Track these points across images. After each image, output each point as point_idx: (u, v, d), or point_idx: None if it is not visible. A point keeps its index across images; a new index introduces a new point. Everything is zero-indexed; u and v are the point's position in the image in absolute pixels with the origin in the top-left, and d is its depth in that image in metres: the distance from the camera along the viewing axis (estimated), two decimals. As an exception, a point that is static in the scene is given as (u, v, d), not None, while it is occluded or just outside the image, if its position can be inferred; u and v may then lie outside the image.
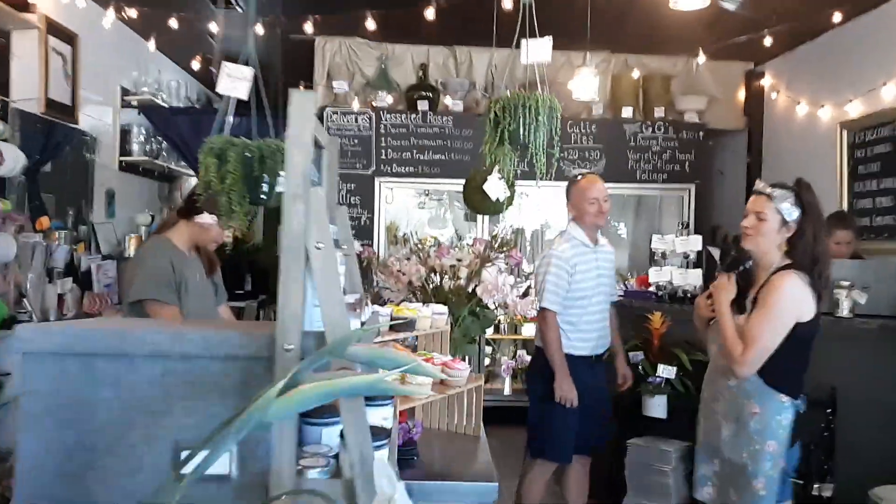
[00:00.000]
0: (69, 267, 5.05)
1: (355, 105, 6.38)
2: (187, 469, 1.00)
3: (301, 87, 6.62)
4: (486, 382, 6.38)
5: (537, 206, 6.42)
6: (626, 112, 6.47)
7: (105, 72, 5.71)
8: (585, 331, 3.45)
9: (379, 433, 1.40)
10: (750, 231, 2.58)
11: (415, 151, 6.34)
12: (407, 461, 2.14)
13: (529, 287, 4.52)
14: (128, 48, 6.04)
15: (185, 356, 1.41)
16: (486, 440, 2.48)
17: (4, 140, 4.37)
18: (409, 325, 2.23)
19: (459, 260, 2.89)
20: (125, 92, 6.07)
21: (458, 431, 2.49)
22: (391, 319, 2.25)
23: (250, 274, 8.48)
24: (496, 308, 2.85)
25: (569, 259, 3.39)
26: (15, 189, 4.66)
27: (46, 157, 4.97)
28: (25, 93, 4.69)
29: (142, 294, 2.93)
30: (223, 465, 1.40)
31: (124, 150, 6.13)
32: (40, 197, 4.91)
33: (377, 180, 6.35)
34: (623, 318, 3.83)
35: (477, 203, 3.26)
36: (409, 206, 7.07)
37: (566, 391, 3.31)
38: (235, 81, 1.70)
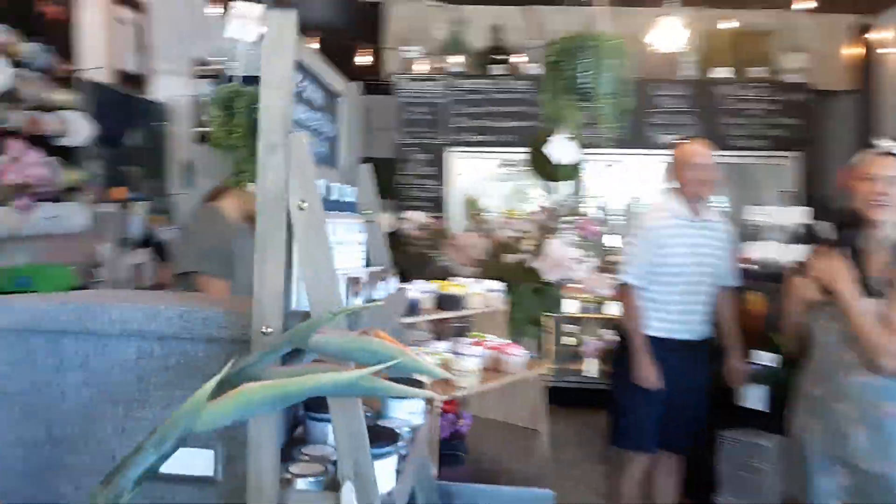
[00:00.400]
0: (146, 238, 5.06)
1: (426, 70, 6.11)
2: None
3: (370, 53, 6.42)
4: (570, 363, 6.12)
5: (625, 176, 6.01)
6: (719, 72, 5.91)
7: (176, 41, 5.66)
8: (669, 311, 3.10)
9: (383, 437, 1.14)
10: (884, 199, 2.17)
11: (489, 119, 6.03)
12: (452, 457, 1.89)
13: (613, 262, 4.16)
14: (199, 17, 5.97)
15: (161, 337, 1.19)
16: (548, 435, 2.20)
17: (73, 109, 4.36)
18: (454, 302, 1.97)
19: (525, 232, 2.60)
20: (198, 62, 6.00)
21: (516, 424, 2.21)
22: (437, 297, 2.00)
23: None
24: (559, 285, 2.54)
25: (656, 230, 3.07)
26: (90, 159, 4.67)
27: (120, 128, 4.96)
28: (94, 62, 4.66)
29: (189, 266, 2.78)
30: (207, 465, 1.19)
31: (201, 121, 6.09)
32: (118, 168, 4.91)
33: (449, 151, 6.08)
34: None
35: (541, 168, 2.94)
36: (488, 178, 6.77)
37: (645, 372, 3.00)
38: (245, 23, 1.46)
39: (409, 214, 3.38)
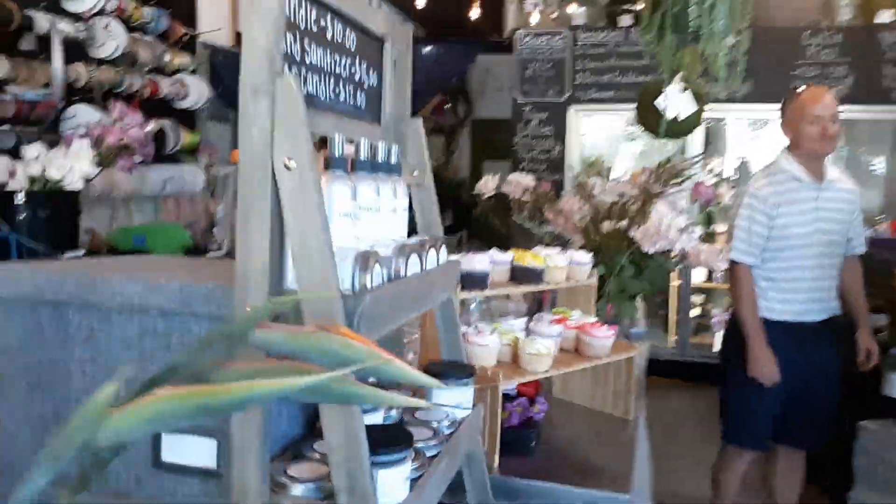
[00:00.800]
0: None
1: (546, 23, 5.77)
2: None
3: (488, 9, 6.15)
4: (695, 336, 5.72)
5: (763, 136, 5.46)
6: (883, 16, 5.17)
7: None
8: (789, 290, 2.70)
9: (394, 440, 0.97)
10: None
11: (615, 74, 5.63)
12: (522, 446, 1.70)
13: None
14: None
15: (163, 312, 1.07)
16: (643, 428, 1.95)
17: (192, 72, 4.44)
18: (530, 275, 1.75)
19: (621, 195, 2.31)
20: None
21: (606, 412, 1.97)
22: (512, 268, 1.78)
23: (452, 209, 8.34)
24: (670, 256, 2.23)
25: (768, 198, 2.64)
26: (208, 121, 4.78)
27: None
28: (213, 25, 4.72)
29: None
30: (209, 456, 1.07)
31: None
32: (236, 130, 5.00)
33: (571, 108, 5.74)
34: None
35: (650, 123, 2.60)
36: (613, 138, 6.37)
37: (761, 365, 2.63)
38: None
39: (514, 177, 3.14)
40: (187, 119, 4.43)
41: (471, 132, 8.88)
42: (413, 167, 1.34)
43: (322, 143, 1.21)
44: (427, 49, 6.40)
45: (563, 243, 2.67)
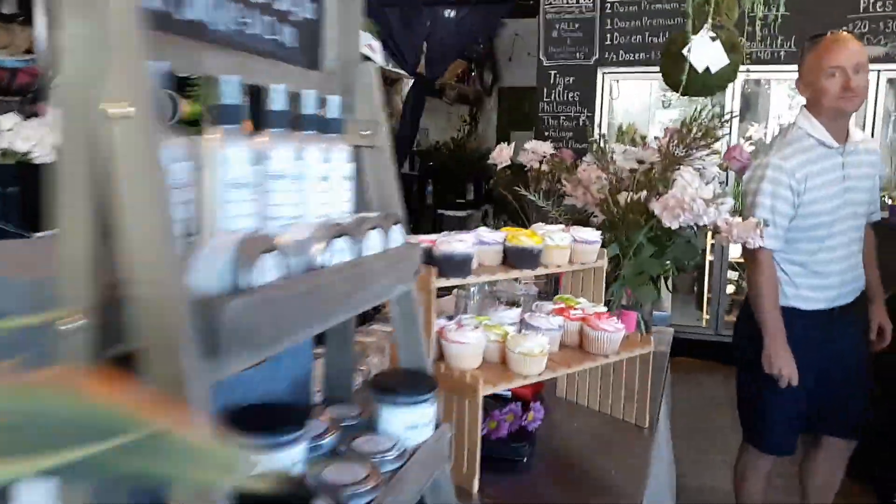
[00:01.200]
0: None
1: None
2: None
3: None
4: (730, 314, 5.37)
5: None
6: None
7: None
8: (822, 274, 2.34)
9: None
10: None
11: (647, 34, 5.23)
12: (512, 462, 1.43)
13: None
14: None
15: None
16: (665, 438, 1.67)
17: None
18: (524, 258, 1.47)
19: (641, 162, 2.01)
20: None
21: (618, 416, 1.69)
22: (504, 249, 1.51)
23: (472, 181, 8.02)
24: (687, 232, 1.92)
25: (793, 170, 2.24)
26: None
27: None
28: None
29: None
30: None
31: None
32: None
33: (600, 71, 5.37)
34: (880, 246, 2.63)
35: (676, 76, 2.25)
36: (646, 104, 5.99)
37: (781, 364, 2.28)
38: None
39: (531, 144, 2.83)
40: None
41: (497, 101, 8.52)
42: (364, 125, 1.07)
43: (253, 94, 0.95)
44: (448, 11, 6.06)
45: (584, 220, 2.38)
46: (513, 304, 1.83)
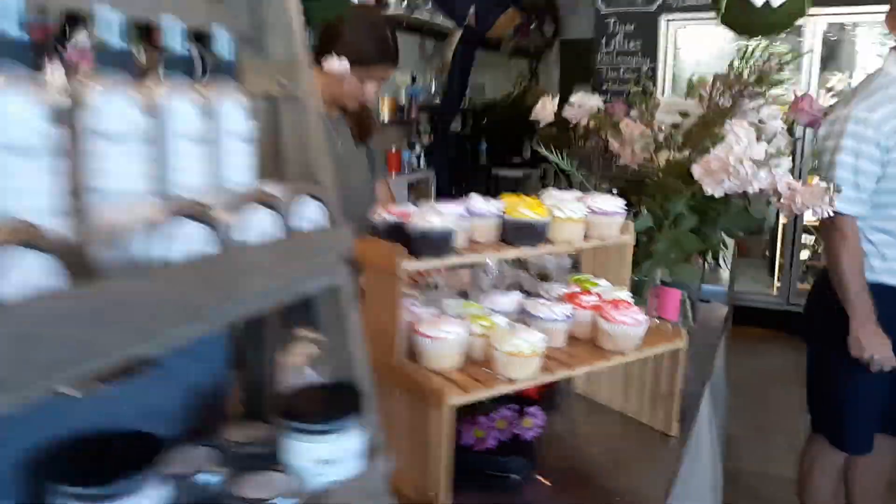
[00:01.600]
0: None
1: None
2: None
3: None
4: (804, 283, 4.93)
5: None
6: None
7: None
8: None
9: None
10: None
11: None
12: (501, 480, 1.20)
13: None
14: None
15: None
16: (706, 443, 1.40)
17: None
18: (528, 233, 1.21)
19: (685, 115, 1.69)
20: (371, -66, 5.40)
21: (644, 420, 1.42)
22: (504, 221, 1.25)
23: (531, 139, 7.66)
24: (737, 200, 1.60)
25: (880, 122, 1.91)
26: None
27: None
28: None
29: None
30: None
31: (379, 1, 5.55)
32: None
33: (662, 18, 4.93)
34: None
35: (735, 17, 1.89)
36: (716, 55, 5.51)
37: (872, 347, 1.97)
38: None
39: (578, 98, 2.53)
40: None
41: (559, 54, 8.07)
42: (280, 69, 0.83)
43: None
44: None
45: (632, 187, 2.08)
46: (541, 276, 1.56)
